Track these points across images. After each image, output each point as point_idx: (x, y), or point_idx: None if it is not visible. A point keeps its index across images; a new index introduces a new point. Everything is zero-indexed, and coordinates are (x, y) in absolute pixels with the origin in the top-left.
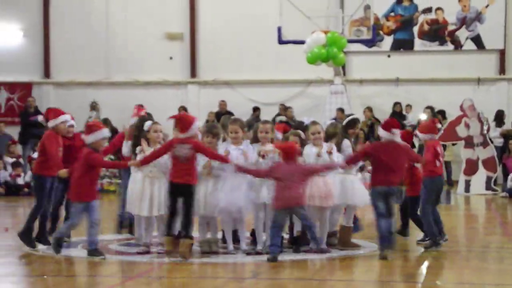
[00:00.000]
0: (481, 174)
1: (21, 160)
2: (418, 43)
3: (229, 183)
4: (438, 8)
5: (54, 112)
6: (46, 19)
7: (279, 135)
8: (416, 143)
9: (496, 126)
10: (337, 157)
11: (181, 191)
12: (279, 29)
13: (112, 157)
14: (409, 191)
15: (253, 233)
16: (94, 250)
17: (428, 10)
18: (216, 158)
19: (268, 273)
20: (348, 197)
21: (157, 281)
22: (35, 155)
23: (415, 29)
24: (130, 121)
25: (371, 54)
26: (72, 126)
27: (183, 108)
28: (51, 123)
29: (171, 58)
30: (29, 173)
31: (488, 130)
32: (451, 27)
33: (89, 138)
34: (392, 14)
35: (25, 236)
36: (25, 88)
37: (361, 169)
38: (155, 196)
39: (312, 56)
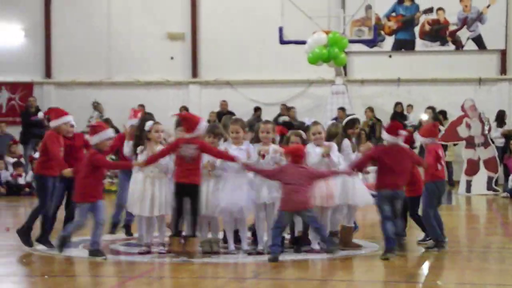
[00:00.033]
0: (482, 174)
1: (22, 160)
2: (419, 43)
3: (230, 183)
4: (439, 8)
5: (56, 112)
6: (48, 19)
7: (277, 137)
8: (418, 143)
9: (497, 126)
10: (338, 158)
11: (187, 191)
12: (280, 29)
13: (113, 157)
14: (408, 192)
15: (254, 233)
16: (96, 251)
17: (429, 10)
18: (223, 158)
19: (269, 273)
20: (349, 197)
21: (158, 281)
22: (36, 155)
23: (416, 29)
24: (128, 123)
25: (372, 54)
26: (72, 126)
27: (184, 108)
28: (53, 123)
29: (172, 58)
30: (30, 173)
31: (489, 130)
32: (452, 27)
33: (93, 139)
34: (394, 14)
35: (23, 234)
36: (26, 88)
37: None
38: (156, 196)
39: (313, 56)
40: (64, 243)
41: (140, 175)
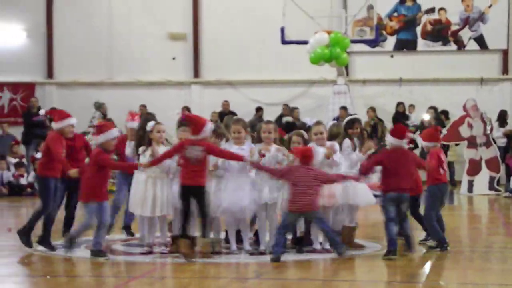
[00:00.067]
0: (484, 174)
1: (24, 160)
2: (421, 43)
3: (232, 183)
4: (441, 8)
5: (59, 114)
6: (49, 20)
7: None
8: (419, 143)
9: (499, 126)
10: (338, 158)
11: (193, 193)
12: (282, 29)
13: (115, 157)
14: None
15: (256, 233)
16: (98, 251)
17: (431, 10)
18: (232, 158)
19: (271, 273)
20: (351, 197)
21: (160, 282)
22: (38, 155)
23: (418, 29)
24: (127, 126)
25: (374, 54)
26: (72, 126)
27: (186, 109)
28: (57, 125)
29: (174, 58)
30: (32, 173)
31: (491, 130)
32: (454, 27)
33: (99, 139)
34: (395, 14)
35: (24, 234)
36: (28, 88)
37: None
38: (157, 196)
39: (315, 56)
40: (72, 243)
41: (142, 176)
